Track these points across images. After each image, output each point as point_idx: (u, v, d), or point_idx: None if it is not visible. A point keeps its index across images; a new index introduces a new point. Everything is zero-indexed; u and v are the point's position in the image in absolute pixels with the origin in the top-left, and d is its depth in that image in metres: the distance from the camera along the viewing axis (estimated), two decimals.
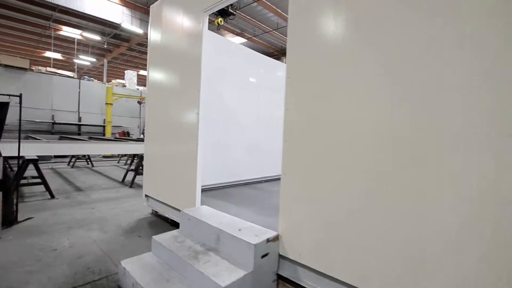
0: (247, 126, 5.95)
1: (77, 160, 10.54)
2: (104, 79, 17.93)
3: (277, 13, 12.08)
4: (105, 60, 18.50)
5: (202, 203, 3.36)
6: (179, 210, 3.25)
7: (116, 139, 9.91)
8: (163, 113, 3.92)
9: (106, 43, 15.94)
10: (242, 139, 5.79)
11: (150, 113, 4.27)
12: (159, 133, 4.01)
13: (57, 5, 10.60)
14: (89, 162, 10.67)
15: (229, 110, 5.45)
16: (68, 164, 10.41)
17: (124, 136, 13.92)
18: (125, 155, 12.04)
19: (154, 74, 4.16)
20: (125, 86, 18.32)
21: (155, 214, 4.43)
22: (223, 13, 9.19)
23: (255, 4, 11.49)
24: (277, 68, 6.89)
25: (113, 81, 20.01)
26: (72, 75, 16.74)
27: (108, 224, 4.08)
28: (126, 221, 4.22)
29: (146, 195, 4.28)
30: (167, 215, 3.83)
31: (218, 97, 5.18)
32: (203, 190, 3.69)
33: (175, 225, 3.80)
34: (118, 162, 12.00)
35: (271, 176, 6.18)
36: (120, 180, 7.47)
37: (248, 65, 6.01)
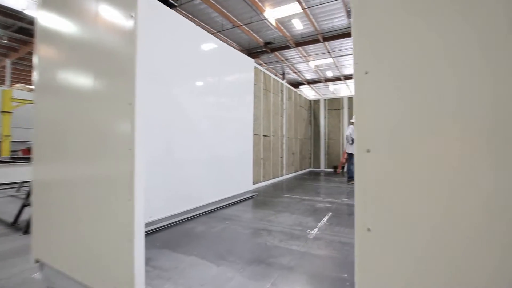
0: (206, 133, 4.43)
1: None
2: (7, 83, 13.98)
3: (223, 13, 10.88)
4: (8, 61, 14.51)
5: (152, 264, 1.75)
6: None
7: (11, 161, 7.10)
8: (70, 119, 2.17)
9: (6, 39, 12.37)
10: (200, 150, 4.23)
11: (41, 121, 2.43)
12: (58, 150, 2.22)
13: None
14: None
15: (183, 115, 3.91)
16: None
17: (30, 154, 10.59)
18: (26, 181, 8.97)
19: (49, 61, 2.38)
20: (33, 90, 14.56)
21: None
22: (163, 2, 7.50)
23: (198, 1, 10.06)
24: (245, 64, 5.59)
25: (17, 85, 15.84)
26: None
27: None
28: None
29: (37, 260, 2.37)
30: None
31: (168, 97, 3.61)
32: (149, 234, 2.09)
33: None
34: (18, 191, 8.86)
35: (237, 195, 4.75)
36: (11, 221, 5.00)
37: (210, 58, 4.56)
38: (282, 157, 7.60)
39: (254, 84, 5.97)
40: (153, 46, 3.51)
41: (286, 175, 7.91)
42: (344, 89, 23.17)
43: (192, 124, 4.08)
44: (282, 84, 7.68)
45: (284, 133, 7.75)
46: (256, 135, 6.05)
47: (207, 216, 3.72)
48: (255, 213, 3.92)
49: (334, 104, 9.95)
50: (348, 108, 9.65)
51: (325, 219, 3.62)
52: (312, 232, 3.07)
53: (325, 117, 10.03)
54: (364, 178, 1.12)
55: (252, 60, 5.95)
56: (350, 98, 9.78)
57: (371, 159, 1.09)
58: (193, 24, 4.34)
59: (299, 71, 19.05)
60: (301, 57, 16.40)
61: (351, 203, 4.62)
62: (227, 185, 4.97)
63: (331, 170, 9.71)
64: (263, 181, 6.48)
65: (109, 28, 1.89)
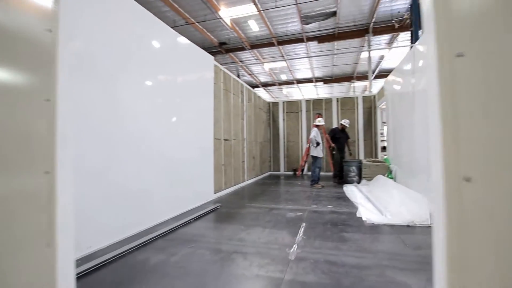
0: (160, 139, 3.75)
1: None
2: None
3: (174, 8, 10.04)
4: None
5: None
6: None
7: None
8: None
9: None
10: (152, 158, 3.56)
11: None
12: None
13: None
14: None
15: (131, 116, 3.21)
16: None
17: None
18: None
19: None
20: None
21: None
22: None
23: None
24: (205, 61, 5.00)
25: None
26: None
27: None
28: None
29: None
30: None
31: (111, 95, 2.89)
32: (85, 275, 1.47)
33: None
34: None
35: (199, 207, 4.14)
36: None
37: (165, 51, 3.90)
38: (243, 161, 7.14)
39: (214, 83, 5.41)
40: (90, 31, 2.76)
41: (247, 180, 7.47)
42: (297, 93, 23.78)
43: (143, 128, 3.38)
44: (242, 85, 7.25)
45: (245, 136, 7.32)
46: (216, 139, 5.49)
47: (165, 238, 3.06)
48: (223, 230, 3.38)
49: (293, 106, 9.88)
50: (306, 111, 9.65)
51: (301, 231, 3.26)
52: (292, 250, 2.67)
53: (284, 119, 9.88)
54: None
55: (212, 57, 5.39)
56: (308, 101, 9.80)
57: (472, 192, 0.66)
58: (145, 10, 3.64)
59: (253, 74, 18.88)
60: (256, 59, 16.23)
61: (321, 210, 4.37)
62: (187, 197, 4.34)
63: (291, 173, 9.58)
64: (225, 188, 5.94)
65: (22, 6, 1.21)
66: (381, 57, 16.27)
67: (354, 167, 6.73)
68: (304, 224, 3.57)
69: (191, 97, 4.58)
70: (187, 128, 4.42)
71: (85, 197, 2.60)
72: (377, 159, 6.92)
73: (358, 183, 6.70)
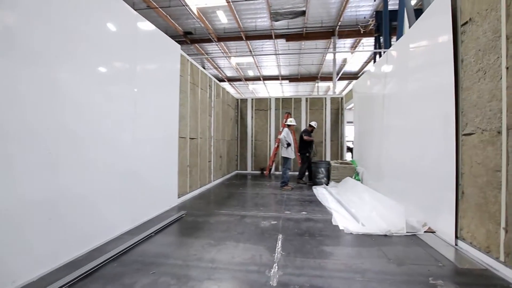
0: (115, 137, 3.14)
1: None
2: None
3: None
4: None
5: None
6: None
7: None
8: None
9: None
10: (104, 160, 2.95)
11: None
12: None
13: None
14: None
15: (77, 109, 2.56)
16: None
17: None
18: None
19: None
20: None
21: None
22: None
23: None
24: (170, 50, 4.42)
25: None
26: None
27: None
28: None
29: None
30: None
31: (51, 83, 2.25)
32: None
33: None
34: None
35: (160, 215, 3.59)
36: None
37: (123, 34, 3.23)
38: (210, 161, 6.63)
39: (181, 76, 4.82)
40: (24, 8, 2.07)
41: (214, 181, 6.98)
42: (263, 90, 23.59)
43: (90, 121, 2.75)
44: (210, 79, 6.69)
45: (212, 134, 6.80)
46: (182, 138, 4.92)
47: (119, 261, 2.49)
48: (190, 247, 2.90)
49: (262, 104, 9.55)
50: (276, 109, 9.40)
51: (278, 246, 2.93)
52: (273, 272, 2.32)
53: (252, 117, 9.52)
54: None
55: (178, 46, 4.77)
56: (277, 99, 9.55)
57: None
58: None
59: (219, 67, 18.19)
60: (222, 52, 15.58)
61: (296, 217, 4.11)
62: (146, 204, 3.76)
63: (258, 172, 9.30)
64: (190, 191, 5.39)
65: None
66: (344, 60, 16.76)
67: (322, 169, 6.64)
68: (280, 236, 3.25)
69: (153, 90, 3.96)
70: (148, 125, 3.80)
71: (4, 211, 1.94)
72: (344, 161, 6.95)
73: (327, 184, 6.63)
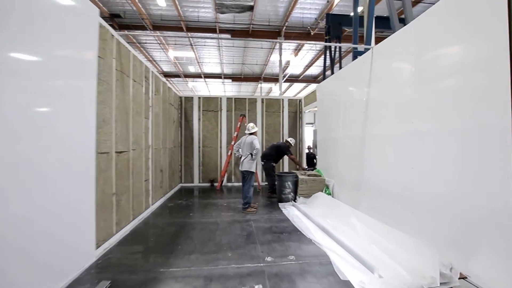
0: None
1: None
2: None
3: None
4: None
5: None
6: None
7: None
8: None
9: None
10: None
11: None
12: None
13: None
14: None
15: None
16: None
17: None
18: None
19: None
20: None
21: None
22: None
23: None
24: (79, 11, 2.50)
25: None
26: None
27: None
28: None
29: None
30: None
31: None
32: None
33: None
34: None
35: None
36: None
37: None
38: (147, 180, 4.79)
39: (100, 58, 2.99)
40: None
41: (154, 204, 5.15)
42: (204, 88, 21.63)
43: None
44: (147, 68, 4.83)
45: (150, 143, 4.96)
46: (102, 153, 3.09)
47: None
48: None
49: (211, 104, 7.93)
50: (227, 111, 7.92)
51: None
52: None
53: (199, 119, 7.82)
54: None
55: (96, 9, 2.93)
56: (229, 99, 8.09)
57: None
58: None
59: (155, 60, 15.64)
60: (159, 44, 13.26)
61: (286, 270, 2.78)
62: (31, 277, 1.92)
63: (208, 184, 7.70)
64: (118, 231, 3.56)
65: None
66: (288, 63, 16.32)
67: (289, 182, 5.53)
68: None
69: (44, 76, 2.11)
70: (36, 138, 1.97)
71: None
72: (312, 173, 5.99)
73: (294, 200, 5.56)
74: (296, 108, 8.13)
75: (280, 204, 5.41)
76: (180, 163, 7.66)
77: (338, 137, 5.29)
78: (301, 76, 19.06)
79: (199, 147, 7.78)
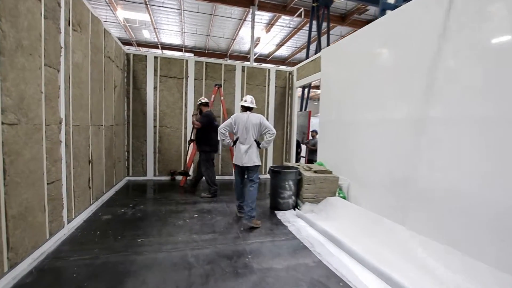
0: None
1: None
2: None
3: None
4: None
5: None
6: None
7: None
8: None
9: None
10: None
11: None
12: None
13: None
14: None
15: None
16: None
17: None
18: None
19: None
20: None
21: None
22: None
23: None
24: None
25: None
26: None
27: None
28: None
29: None
30: None
31: None
32: None
33: None
34: None
35: None
36: None
37: None
38: (52, 182, 2.50)
39: None
40: None
41: (73, 219, 2.86)
42: None
43: None
44: None
45: (63, 115, 2.62)
46: None
47: None
48: None
49: (173, 68, 5.54)
50: (196, 79, 5.64)
51: None
52: None
53: (156, 88, 5.41)
54: None
55: None
56: (199, 63, 5.81)
57: None
58: None
59: None
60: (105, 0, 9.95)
61: None
62: None
63: (168, 178, 5.48)
64: None
65: None
66: (258, 39, 14.21)
67: (291, 182, 3.74)
68: None
69: None
70: None
71: None
72: (320, 168, 4.25)
73: (296, 207, 3.81)
74: (285, 82, 6.24)
75: (279, 214, 3.61)
76: (126, 148, 5.25)
77: (358, 120, 3.64)
78: (270, 57, 17.16)
79: (154, 126, 5.42)
